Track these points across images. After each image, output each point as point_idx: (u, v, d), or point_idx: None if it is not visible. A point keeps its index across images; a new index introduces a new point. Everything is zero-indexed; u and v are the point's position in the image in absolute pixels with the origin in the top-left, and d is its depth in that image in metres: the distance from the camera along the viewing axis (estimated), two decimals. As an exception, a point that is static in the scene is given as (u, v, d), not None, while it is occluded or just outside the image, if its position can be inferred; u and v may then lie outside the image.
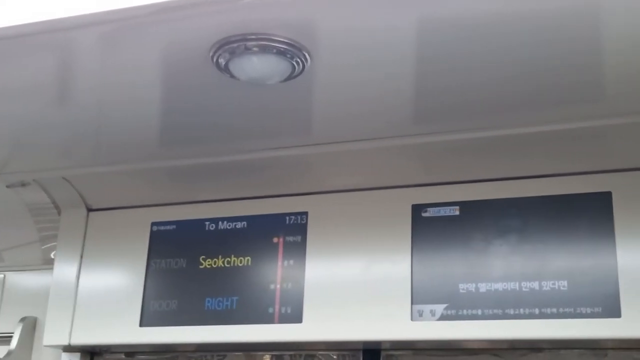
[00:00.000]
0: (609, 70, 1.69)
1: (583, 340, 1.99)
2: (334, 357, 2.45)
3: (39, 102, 1.90)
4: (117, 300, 2.41)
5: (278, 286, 2.25)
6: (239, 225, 2.37)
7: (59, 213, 2.59)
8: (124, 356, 2.58)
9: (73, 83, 1.82)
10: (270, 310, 2.24)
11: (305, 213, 2.30)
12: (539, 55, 1.63)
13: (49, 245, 2.83)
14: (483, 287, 2.05)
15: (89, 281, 2.47)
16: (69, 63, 1.71)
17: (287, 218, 2.32)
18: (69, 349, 2.49)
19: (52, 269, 2.54)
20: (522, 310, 2.00)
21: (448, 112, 1.93)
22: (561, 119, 1.94)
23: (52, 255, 2.72)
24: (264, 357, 2.53)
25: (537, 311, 1.99)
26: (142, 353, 2.59)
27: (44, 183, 2.49)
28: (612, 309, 1.93)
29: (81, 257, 2.50)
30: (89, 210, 2.55)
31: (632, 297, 1.92)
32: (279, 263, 2.27)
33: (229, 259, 2.33)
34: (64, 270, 2.50)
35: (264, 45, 1.60)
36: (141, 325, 2.36)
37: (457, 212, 2.15)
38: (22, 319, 2.89)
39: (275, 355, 2.51)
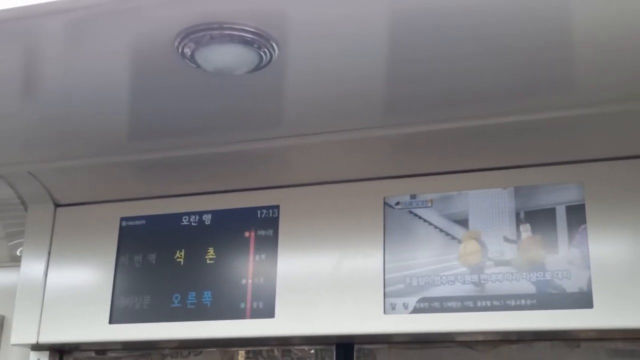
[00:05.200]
0: (581, 61, 1.69)
1: (556, 331, 1.98)
2: (311, 351, 2.43)
3: (2, 93, 1.86)
4: (86, 297, 2.37)
5: (250, 281, 2.23)
6: (209, 219, 2.34)
7: (26, 209, 2.54)
8: (94, 354, 2.55)
9: (38, 73, 1.78)
10: (242, 305, 2.21)
11: (277, 207, 2.27)
12: (511, 46, 1.62)
13: (15, 242, 2.78)
14: (455, 280, 2.04)
15: (57, 278, 2.43)
16: (34, 52, 1.68)
17: (259, 212, 2.29)
18: (37, 347, 2.45)
19: (19, 266, 2.49)
20: (494, 302, 1.99)
21: (420, 104, 1.91)
22: (533, 110, 1.93)
23: (18, 252, 2.68)
24: (239, 353, 2.51)
25: (512, 303, 1.98)
26: (114, 350, 2.56)
27: (10, 178, 2.44)
28: (584, 300, 1.93)
29: (49, 253, 2.46)
30: (57, 205, 2.51)
31: (604, 288, 1.92)
32: (251, 257, 2.25)
33: (200, 254, 2.30)
34: (31, 267, 2.46)
35: (230, 35, 1.57)
36: (111, 322, 2.33)
37: (430, 205, 2.14)
38: (-11, 318, 2.84)
39: (250, 350, 2.49)
